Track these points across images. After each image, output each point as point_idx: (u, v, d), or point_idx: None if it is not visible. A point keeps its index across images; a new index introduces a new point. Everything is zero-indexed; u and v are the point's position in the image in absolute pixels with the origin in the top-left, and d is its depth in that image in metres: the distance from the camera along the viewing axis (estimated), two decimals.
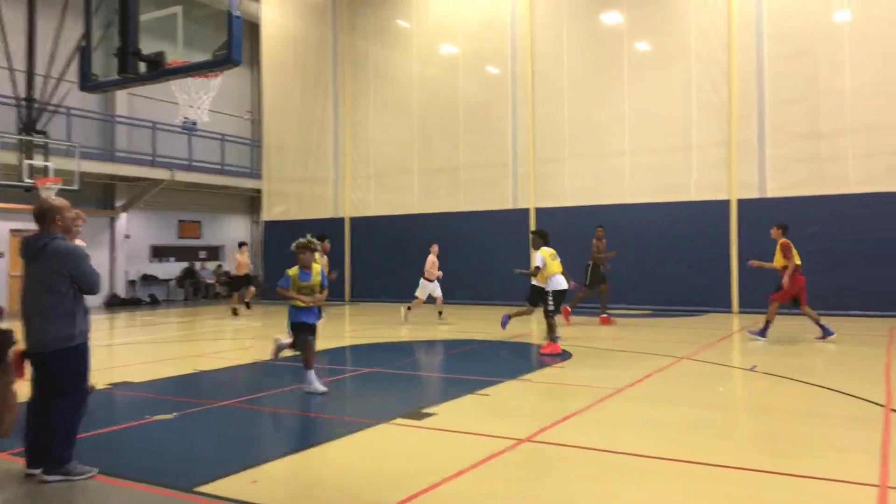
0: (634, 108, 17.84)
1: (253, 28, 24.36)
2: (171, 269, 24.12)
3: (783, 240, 10.78)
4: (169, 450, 5.44)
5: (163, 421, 6.21)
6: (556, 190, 18.86)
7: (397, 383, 8.33)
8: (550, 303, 10.23)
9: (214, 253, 25.79)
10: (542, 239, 10.54)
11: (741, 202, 16.44)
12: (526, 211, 19.24)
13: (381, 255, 21.43)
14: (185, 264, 24.41)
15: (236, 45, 4.70)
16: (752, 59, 16.34)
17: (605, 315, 14.02)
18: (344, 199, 22.64)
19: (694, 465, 4.82)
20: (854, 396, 6.82)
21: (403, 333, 13.17)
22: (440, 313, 14.63)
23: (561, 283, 10.17)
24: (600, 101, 18.33)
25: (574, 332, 12.77)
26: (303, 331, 7.42)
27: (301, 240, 7.62)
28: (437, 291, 14.66)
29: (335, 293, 22.15)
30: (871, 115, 15.17)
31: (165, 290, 23.71)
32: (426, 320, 14.94)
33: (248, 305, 18.03)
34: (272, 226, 23.68)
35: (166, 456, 5.27)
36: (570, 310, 13.79)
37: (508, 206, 19.58)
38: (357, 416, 6.40)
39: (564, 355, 9.83)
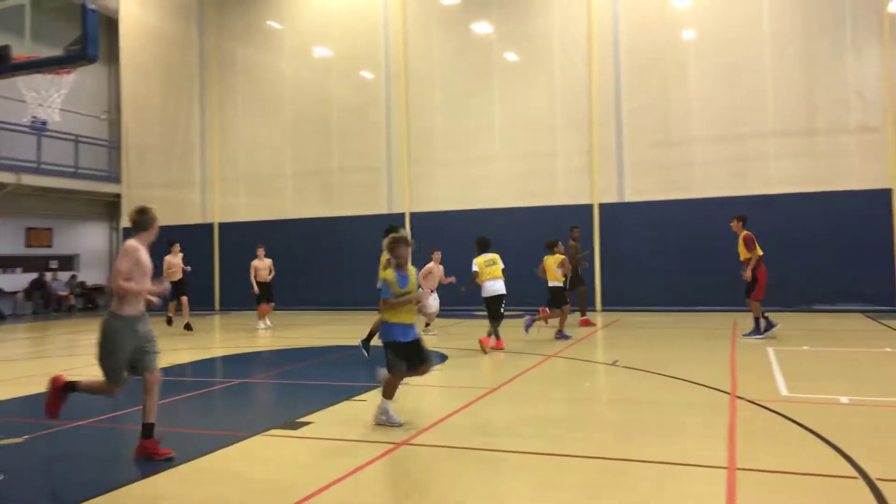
0: (504, 115, 18.46)
1: (111, 23, 22.95)
2: (17, 280, 22.19)
3: (745, 232, 10.93)
4: (18, 476, 5.02)
5: (10, 446, 5.71)
6: (431, 194, 19.14)
7: (271, 393, 8.14)
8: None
9: (68, 262, 23.98)
10: (478, 247, 10.96)
11: (602, 206, 17.41)
12: (401, 216, 19.35)
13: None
14: (34, 275, 22.52)
15: (92, 40, 4.44)
16: (609, 71, 17.37)
17: (584, 317, 13.91)
18: (212, 204, 21.80)
19: (561, 458, 5.05)
20: (704, 385, 7.40)
21: (277, 342, 12.86)
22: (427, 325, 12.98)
23: (491, 289, 10.36)
24: (472, 107, 18.81)
25: (442, 334, 13.01)
26: (403, 352, 5.96)
27: (396, 233, 6.20)
28: (434, 305, 12.95)
29: (204, 302, 21.28)
30: (713, 126, 16.56)
31: (12, 304, 21.78)
32: (295, 329, 14.65)
33: (169, 321, 14.89)
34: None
35: (15, 483, 4.86)
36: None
37: (384, 210, 19.63)
38: (229, 429, 6.19)
39: (440, 357, 9.98)
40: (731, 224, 11.28)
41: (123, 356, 5.14)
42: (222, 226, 21.57)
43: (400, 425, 5.83)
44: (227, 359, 11.20)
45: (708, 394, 7.05)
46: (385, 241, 6.21)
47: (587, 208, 17.52)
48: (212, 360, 10.98)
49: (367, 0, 19.96)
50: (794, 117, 16.01)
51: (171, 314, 14.96)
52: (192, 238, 21.51)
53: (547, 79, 18.07)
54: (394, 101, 19.58)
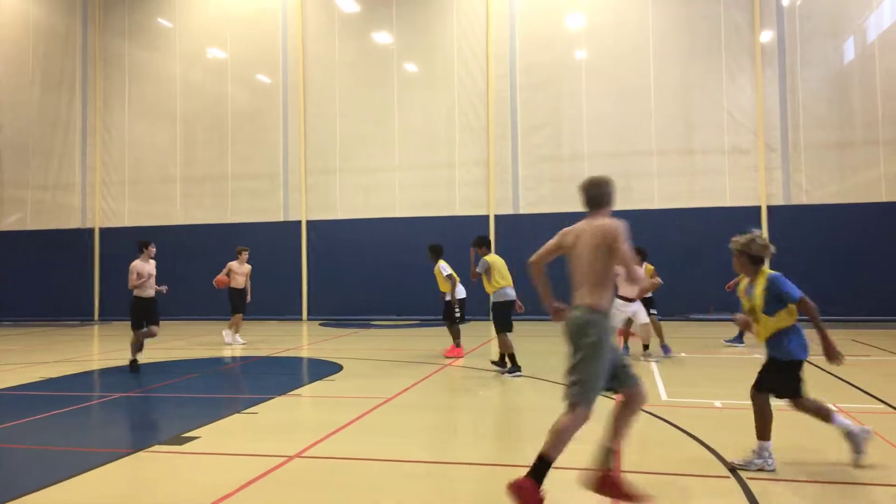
0: (404, 125, 18.55)
1: None
2: None
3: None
4: None
5: None
6: (328, 202, 18.94)
7: (156, 407, 7.76)
8: (457, 311, 10.68)
9: None
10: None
11: (498, 217, 17.79)
12: (298, 223, 19.04)
13: None
14: None
15: None
16: (506, 87, 17.85)
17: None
18: (93, 208, 20.62)
19: (452, 466, 5.10)
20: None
21: (163, 353, 12.29)
22: (646, 347, 10.36)
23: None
24: (371, 116, 18.79)
25: (338, 343, 12.89)
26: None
27: (751, 236, 4.96)
28: (642, 316, 10.19)
29: (83, 311, 20.06)
30: (603, 142, 17.31)
31: None
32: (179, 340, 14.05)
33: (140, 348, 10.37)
34: (4, 237, 20.80)
35: None
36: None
37: (280, 218, 19.24)
38: (109, 445, 5.86)
39: (335, 368, 9.87)
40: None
41: (607, 364, 4.11)
42: (103, 231, 20.43)
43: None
44: (106, 371, 10.58)
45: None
46: (740, 243, 5.03)
47: (484, 219, 17.85)
48: (89, 374, 10.34)
49: (263, 4, 19.57)
50: (674, 137, 17.00)
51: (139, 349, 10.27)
52: (70, 244, 20.30)
53: (446, 90, 18.33)
54: (291, 107, 19.25)
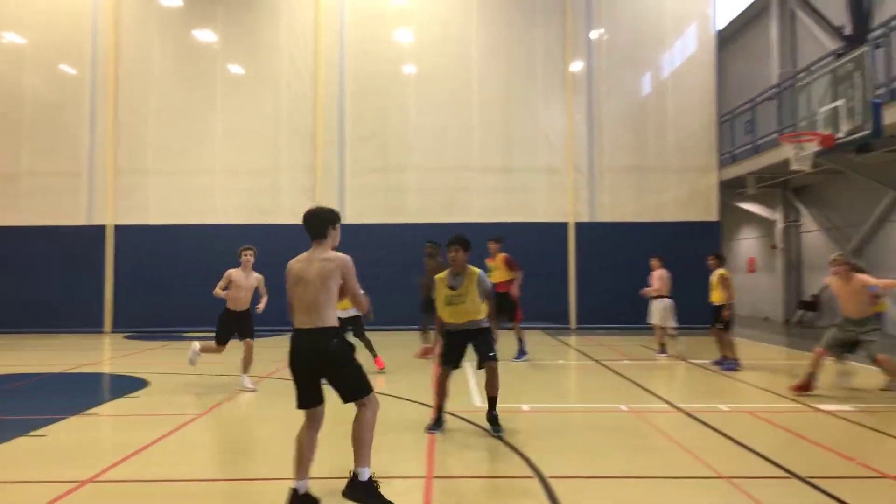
0: (227, 128, 17.83)
1: None
2: None
3: (502, 254, 11.15)
4: None
5: None
6: (139, 206, 17.67)
7: None
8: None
9: None
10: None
11: None
12: (102, 228, 17.59)
13: None
14: None
15: None
16: (335, 93, 17.79)
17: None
18: None
19: (258, 483, 4.97)
20: (408, 400, 7.84)
21: None
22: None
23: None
24: (191, 116, 17.86)
25: (144, 357, 12.11)
26: None
27: None
28: None
29: None
30: (428, 156, 17.76)
31: None
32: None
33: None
34: None
35: None
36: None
37: (82, 221, 17.65)
38: None
39: (140, 383, 9.23)
40: (489, 246, 11.46)
41: None
42: None
43: None
44: None
45: (412, 408, 7.47)
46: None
47: None
48: None
49: None
50: (495, 154, 17.84)
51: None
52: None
53: (273, 93, 17.89)
54: (100, 101, 17.77)
